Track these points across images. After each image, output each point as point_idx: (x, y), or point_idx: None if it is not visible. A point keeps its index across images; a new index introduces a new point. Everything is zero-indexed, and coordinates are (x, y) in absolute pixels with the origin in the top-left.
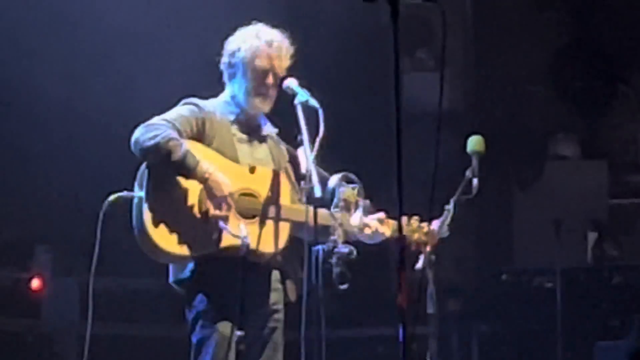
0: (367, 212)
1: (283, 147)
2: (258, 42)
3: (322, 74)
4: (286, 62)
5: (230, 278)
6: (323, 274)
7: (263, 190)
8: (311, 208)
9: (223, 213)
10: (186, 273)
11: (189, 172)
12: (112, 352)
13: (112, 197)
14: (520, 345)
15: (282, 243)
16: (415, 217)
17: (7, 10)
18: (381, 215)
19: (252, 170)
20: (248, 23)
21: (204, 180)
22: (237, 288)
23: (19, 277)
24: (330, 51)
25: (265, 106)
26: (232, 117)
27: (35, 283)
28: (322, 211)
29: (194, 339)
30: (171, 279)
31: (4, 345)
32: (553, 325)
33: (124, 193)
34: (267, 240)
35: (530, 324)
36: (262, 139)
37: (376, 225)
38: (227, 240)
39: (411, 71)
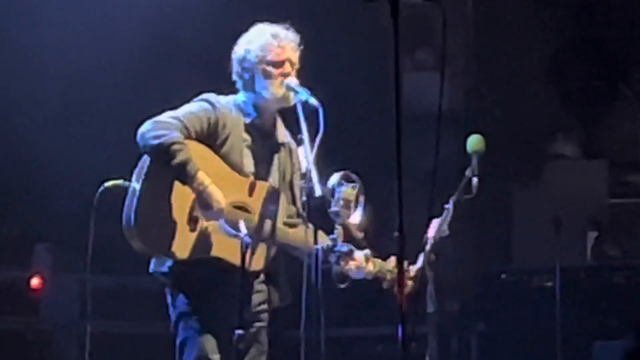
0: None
1: (298, 157)
2: (264, 38)
3: (322, 73)
4: (296, 50)
5: (211, 278)
6: (322, 273)
7: (258, 207)
8: (310, 230)
9: (213, 224)
10: (164, 268)
11: (186, 179)
12: (112, 350)
13: (108, 184)
14: (520, 345)
15: (269, 260)
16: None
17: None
18: (365, 252)
19: (252, 185)
20: (246, 29)
21: (198, 192)
22: (218, 289)
23: (19, 275)
24: (330, 50)
25: (291, 97)
26: (247, 120)
27: (35, 281)
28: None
29: (177, 341)
30: (151, 268)
31: (3, 343)
32: (552, 324)
33: (120, 181)
34: (258, 258)
35: (530, 324)
36: (275, 147)
37: (362, 260)
38: (218, 250)
39: (411, 71)
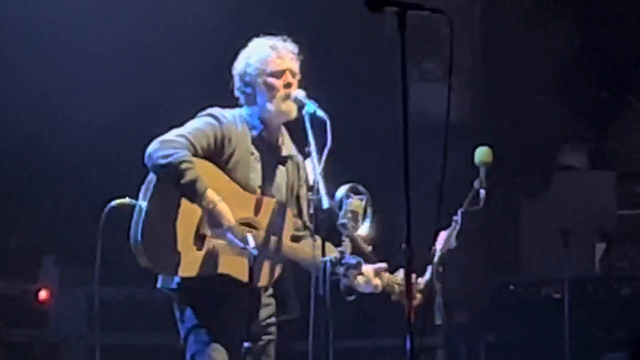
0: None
1: (305, 170)
2: (263, 51)
3: (329, 84)
4: (296, 60)
5: (219, 292)
6: (330, 285)
7: (265, 223)
8: (317, 243)
9: (219, 242)
10: (173, 284)
11: (195, 197)
12: None
13: (114, 203)
14: (528, 356)
15: (275, 276)
16: (412, 274)
17: (13, 12)
18: (382, 265)
19: (258, 202)
20: (245, 44)
21: (208, 209)
22: (226, 302)
23: (27, 288)
24: (337, 62)
25: (294, 110)
26: (254, 132)
27: (43, 294)
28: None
29: (187, 355)
30: (159, 285)
31: (12, 356)
32: (561, 336)
33: (127, 200)
34: (263, 274)
35: (538, 335)
36: (281, 160)
37: (370, 274)
38: (225, 267)
39: (418, 81)
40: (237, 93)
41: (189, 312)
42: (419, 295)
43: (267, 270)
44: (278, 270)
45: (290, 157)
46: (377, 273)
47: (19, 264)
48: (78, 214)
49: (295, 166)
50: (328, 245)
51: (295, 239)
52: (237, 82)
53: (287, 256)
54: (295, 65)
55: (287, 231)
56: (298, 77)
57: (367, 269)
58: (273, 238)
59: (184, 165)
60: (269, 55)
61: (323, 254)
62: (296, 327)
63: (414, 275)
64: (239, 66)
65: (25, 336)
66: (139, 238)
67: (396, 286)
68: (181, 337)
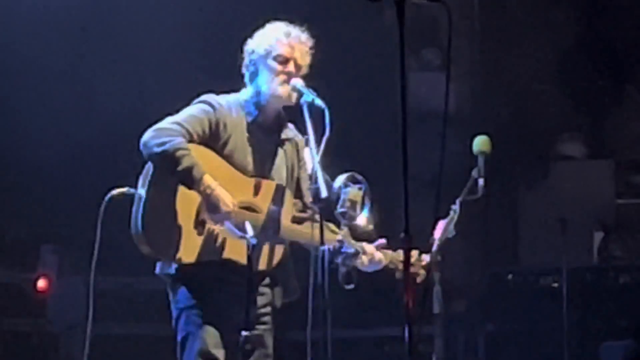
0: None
1: (304, 153)
2: (276, 34)
3: (327, 73)
4: (306, 54)
5: (216, 277)
6: (329, 274)
7: (265, 206)
8: (317, 226)
9: (219, 228)
10: (171, 270)
11: (192, 184)
12: (118, 352)
13: (113, 192)
14: (527, 345)
15: (275, 261)
16: (415, 251)
17: (13, 9)
18: (381, 241)
19: (257, 185)
20: (262, 25)
21: (205, 195)
22: (221, 286)
23: (25, 277)
24: (336, 51)
25: (292, 96)
26: (249, 118)
27: (41, 283)
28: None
29: (178, 337)
30: (157, 270)
31: (10, 345)
32: (559, 325)
33: (126, 189)
34: (262, 258)
35: (536, 324)
36: (279, 143)
37: (373, 251)
38: (227, 252)
39: (417, 71)
40: (243, 69)
41: (183, 292)
42: (422, 272)
43: (266, 255)
44: (278, 254)
45: (288, 139)
46: (379, 249)
47: (17, 252)
48: (76, 203)
49: (294, 148)
50: (331, 226)
51: (298, 220)
52: (245, 59)
53: (287, 238)
54: (302, 59)
55: (287, 213)
56: (303, 71)
57: (369, 247)
58: (273, 220)
59: (179, 153)
60: (280, 39)
61: (322, 239)
62: (294, 315)
63: (416, 252)
64: (251, 43)
65: (24, 325)
66: (140, 226)
67: (399, 264)
68: (173, 318)
